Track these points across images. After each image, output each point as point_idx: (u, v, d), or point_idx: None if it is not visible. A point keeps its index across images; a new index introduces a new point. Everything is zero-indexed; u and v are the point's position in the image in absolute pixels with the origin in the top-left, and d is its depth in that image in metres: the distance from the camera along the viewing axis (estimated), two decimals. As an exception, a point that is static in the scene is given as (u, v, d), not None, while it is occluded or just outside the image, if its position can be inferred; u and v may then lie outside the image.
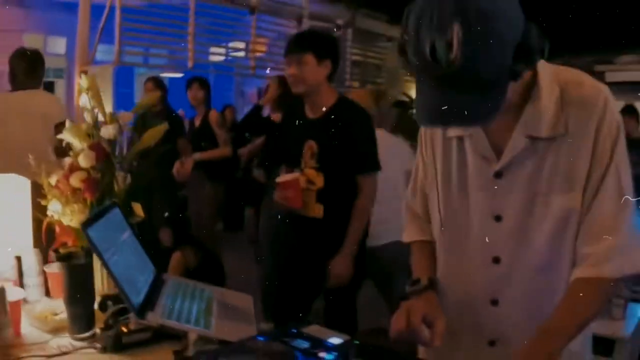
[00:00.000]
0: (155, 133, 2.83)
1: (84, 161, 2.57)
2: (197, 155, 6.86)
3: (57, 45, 10.93)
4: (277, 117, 6.33)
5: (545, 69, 1.93)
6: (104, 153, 2.63)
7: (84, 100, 2.70)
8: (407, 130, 5.66)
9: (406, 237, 2.36)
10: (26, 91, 5.47)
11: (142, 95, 9.45)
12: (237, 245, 8.21)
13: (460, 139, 2.07)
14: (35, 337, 2.33)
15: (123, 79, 9.39)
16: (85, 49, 7.88)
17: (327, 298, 4.12)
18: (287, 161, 4.15)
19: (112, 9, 7.85)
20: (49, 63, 8.70)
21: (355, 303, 4.24)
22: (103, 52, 8.49)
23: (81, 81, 2.74)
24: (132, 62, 8.80)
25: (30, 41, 10.39)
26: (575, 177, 1.90)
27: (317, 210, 3.86)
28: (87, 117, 2.78)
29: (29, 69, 5.51)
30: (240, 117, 9.68)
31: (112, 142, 2.69)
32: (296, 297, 4.17)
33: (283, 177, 3.87)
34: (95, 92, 2.75)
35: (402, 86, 12.24)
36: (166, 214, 5.71)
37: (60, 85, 11.66)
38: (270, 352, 1.83)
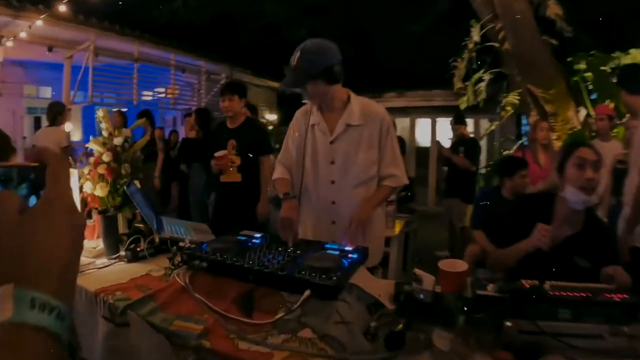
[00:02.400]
0: (143, 141, 2.98)
1: (106, 158, 2.68)
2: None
3: (46, 92, 10.45)
4: (192, 134, 6.40)
5: (353, 95, 2.54)
6: (116, 153, 2.74)
7: (67, 126, 2.72)
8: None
9: (275, 175, 2.68)
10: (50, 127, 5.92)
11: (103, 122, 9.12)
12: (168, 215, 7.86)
13: (313, 126, 2.55)
14: (85, 261, 2.34)
15: (87, 112, 9.13)
16: (68, 94, 7.76)
17: None
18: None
19: (86, 68, 7.81)
20: (41, 104, 8.55)
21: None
22: (77, 95, 8.28)
23: (98, 113, 2.83)
24: (98, 101, 8.60)
25: (28, 89, 10.12)
26: (371, 144, 2.44)
27: (238, 177, 4.14)
28: (104, 132, 2.84)
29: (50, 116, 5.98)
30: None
31: (119, 147, 2.77)
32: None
33: (218, 153, 4.05)
34: (107, 118, 2.83)
35: (261, 114, 12.39)
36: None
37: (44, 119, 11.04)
38: (327, 258, 1.79)
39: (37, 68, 9.79)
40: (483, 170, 7.89)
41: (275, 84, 12.38)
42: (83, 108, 9.29)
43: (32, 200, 0.57)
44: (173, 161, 6.97)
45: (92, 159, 2.79)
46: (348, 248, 2.01)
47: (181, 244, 2.26)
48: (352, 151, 2.46)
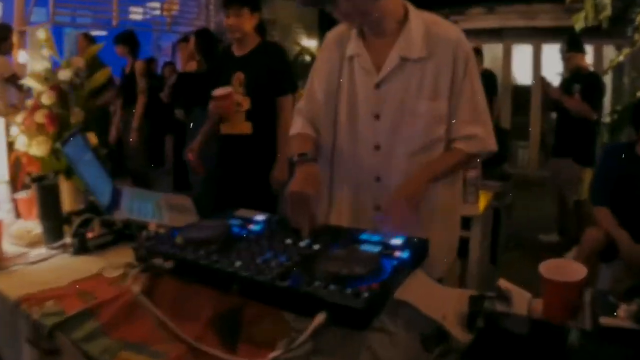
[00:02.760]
0: (102, 75, 2.84)
1: (46, 100, 2.58)
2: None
3: None
4: (191, 66, 6.31)
5: (414, 11, 2.26)
6: (62, 92, 2.64)
7: (22, 56, 2.75)
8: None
9: (292, 130, 2.47)
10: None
11: (69, 50, 9.24)
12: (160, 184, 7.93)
13: (351, 59, 2.31)
14: (15, 252, 2.31)
15: (56, 37, 9.13)
16: (21, 12, 7.80)
17: None
18: None
19: None
20: None
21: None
22: (36, 14, 8.30)
23: (38, 34, 2.75)
24: (63, 21, 8.58)
25: None
26: (439, 89, 2.20)
27: (246, 128, 4.02)
28: (41, 64, 2.80)
29: None
30: (158, 67, 9.59)
31: (67, 84, 2.67)
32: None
33: (218, 91, 3.95)
34: (50, 43, 2.75)
35: (294, 38, 12.42)
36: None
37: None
38: (357, 259, 1.60)
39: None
40: (607, 119, 7.65)
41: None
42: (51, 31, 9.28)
43: None
44: (166, 106, 6.91)
45: (29, 102, 2.75)
46: (395, 241, 1.78)
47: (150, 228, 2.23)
48: (409, 99, 2.21)
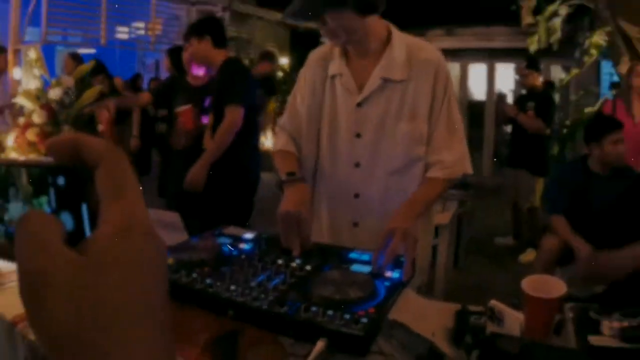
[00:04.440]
0: (92, 93, 2.70)
1: (37, 118, 2.44)
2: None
3: None
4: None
5: (397, 33, 2.13)
6: (52, 111, 2.50)
7: (16, 73, 2.61)
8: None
9: (276, 146, 2.31)
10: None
11: (61, 67, 9.12)
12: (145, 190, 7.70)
13: (333, 78, 2.17)
14: (9, 268, 2.15)
15: (46, 55, 8.96)
16: (16, 31, 7.61)
17: None
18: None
19: None
20: None
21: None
22: (30, 33, 8.06)
23: (30, 53, 2.61)
24: (55, 40, 8.40)
25: None
26: (419, 110, 2.06)
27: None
28: (33, 83, 2.65)
29: None
30: (144, 82, 9.44)
31: (57, 102, 2.54)
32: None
33: (180, 108, 3.90)
34: (41, 62, 2.63)
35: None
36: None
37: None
38: (352, 282, 1.44)
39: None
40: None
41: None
42: (43, 50, 9.10)
43: (66, 222, 0.45)
44: (151, 119, 6.72)
45: (21, 120, 2.59)
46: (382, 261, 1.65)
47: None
48: (389, 119, 2.09)
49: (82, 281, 0.40)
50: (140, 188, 0.46)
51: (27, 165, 0.48)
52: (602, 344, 1.35)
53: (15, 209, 0.48)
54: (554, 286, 1.57)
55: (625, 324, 1.40)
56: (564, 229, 3.82)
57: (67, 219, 0.45)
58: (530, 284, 1.56)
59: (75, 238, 0.44)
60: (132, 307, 0.41)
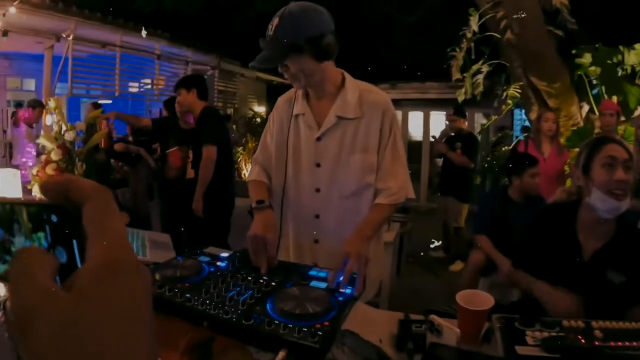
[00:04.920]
0: (99, 135, 2.60)
1: (54, 156, 2.36)
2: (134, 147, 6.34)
3: (30, 84, 10.44)
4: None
5: (350, 78, 2.06)
6: (66, 150, 2.39)
7: (49, 119, 2.48)
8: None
9: (250, 176, 2.21)
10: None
11: (85, 115, 9.05)
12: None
13: (297, 117, 2.08)
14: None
15: (73, 105, 8.96)
16: (48, 86, 7.67)
17: None
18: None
19: (66, 59, 7.68)
20: (25, 97, 8.84)
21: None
22: (60, 88, 8.11)
23: (50, 103, 2.48)
24: (79, 93, 8.38)
25: (11, 82, 10.17)
26: (369, 144, 1.98)
27: (191, 174, 4.12)
28: (55, 127, 2.54)
29: None
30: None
31: (72, 143, 2.45)
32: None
33: (169, 150, 4.22)
34: (59, 110, 2.53)
35: (248, 106, 12.71)
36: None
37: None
38: (310, 298, 1.32)
39: (21, 60, 9.82)
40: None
41: (266, 76, 12.03)
42: (68, 100, 9.00)
43: (61, 256, 0.42)
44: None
45: (43, 157, 2.52)
46: (339, 279, 1.54)
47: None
48: (344, 151, 2.00)
49: (66, 317, 0.35)
50: (127, 222, 0.38)
51: (26, 203, 0.45)
52: (528, 353, 1.26)
53: (19, 243, 0.45)
54: (483, 299, 1.52)
55: (546, 334, 1.32)
56: (487, 246, 3.76)
57: (61, 253, 0.43)
58: (463, 298, 1.51)
59: (68, 270, 0.40)
60: (115, 341, 0.35)
